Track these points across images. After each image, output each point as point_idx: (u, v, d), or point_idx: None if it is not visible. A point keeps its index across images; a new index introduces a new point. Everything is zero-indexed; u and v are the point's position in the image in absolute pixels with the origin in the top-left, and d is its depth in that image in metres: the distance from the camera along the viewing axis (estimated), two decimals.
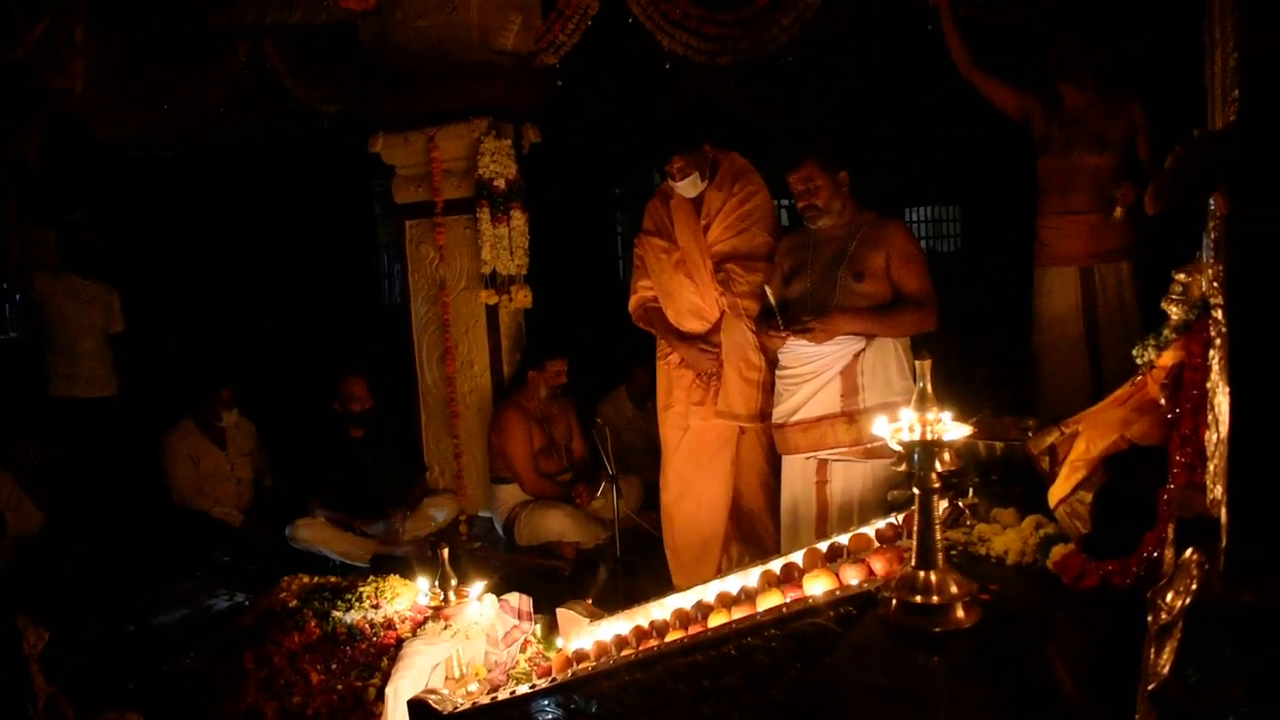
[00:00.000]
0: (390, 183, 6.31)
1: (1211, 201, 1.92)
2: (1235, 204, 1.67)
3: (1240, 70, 1.73)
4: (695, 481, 4.76)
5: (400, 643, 3.87)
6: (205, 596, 5.64)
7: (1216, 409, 1.85)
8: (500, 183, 5.77)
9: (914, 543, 2.53)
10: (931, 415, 2.51)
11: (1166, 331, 2.65)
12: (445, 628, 3.79)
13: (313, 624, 4.03)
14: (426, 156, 5.97)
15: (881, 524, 3.40)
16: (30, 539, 5.51)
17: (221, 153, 8.67)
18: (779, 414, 4.34)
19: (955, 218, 14.28)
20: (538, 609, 4.16)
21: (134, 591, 5.66)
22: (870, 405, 4.04)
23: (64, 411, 6.31)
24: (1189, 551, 1.86)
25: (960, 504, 3.24)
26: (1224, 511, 1.74)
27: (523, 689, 3.47)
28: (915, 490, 2.49)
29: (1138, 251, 4.81)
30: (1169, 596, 1.82)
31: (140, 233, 8.19)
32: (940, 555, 2.49)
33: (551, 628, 4.09)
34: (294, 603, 4.19)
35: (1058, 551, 2.74)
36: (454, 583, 3.90)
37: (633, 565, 5.39)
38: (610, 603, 4.09)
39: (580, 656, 3.57)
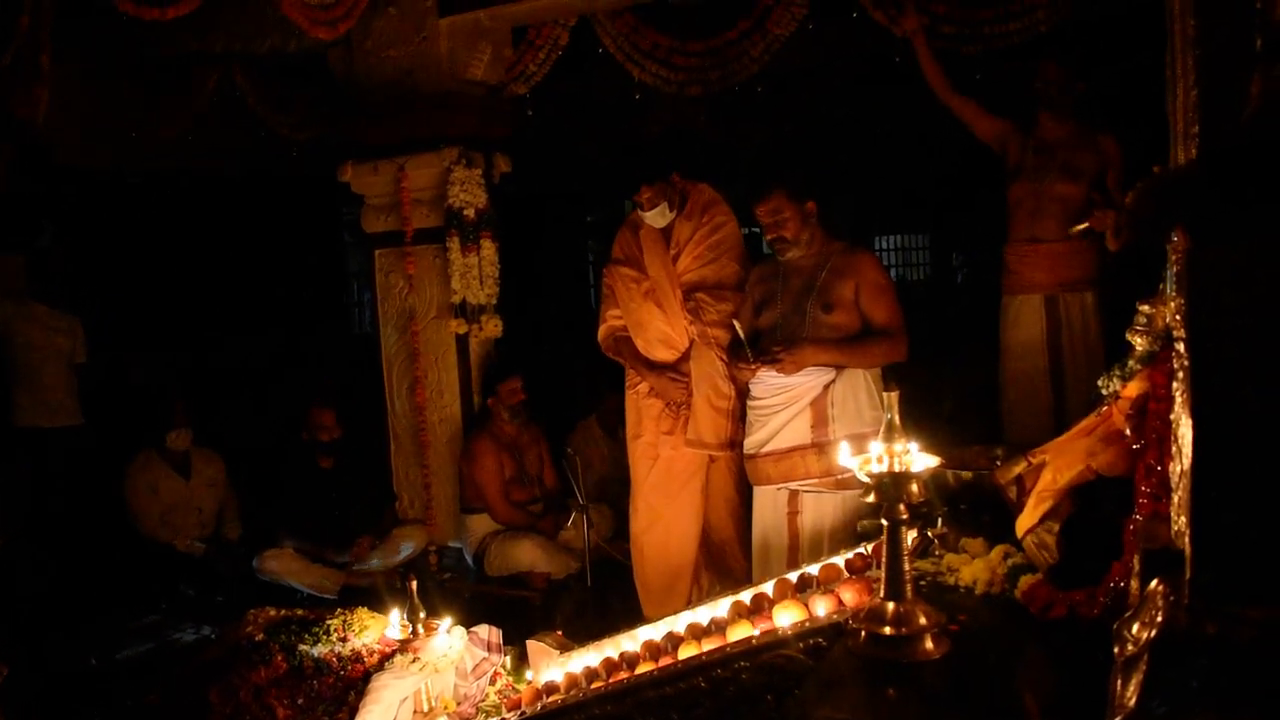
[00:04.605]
0: (359, 211, 6.29)
1: (1174, 235, 1.94)
2: (1195, 241, 1.69)
3: (1200, 107, 1.75)
4: (665, 511, 4.75)
5: (368, 676, 3.83)
6: (171, 630, 5.56)
7: (1180, 440, 1.86)
8: (470, 212, 5.76)
9: (883, 574, 2.53)
10: (899, 447, 2.52)
11: (1131, 362, 2.67)
12: (414, 660, 3.75)
13: (279, 658, 3.97)
14: (396, 186, 5.96)
15: (851, 554, 3.40)
16: None
17: (190, 180, 8.63)
18: (750, 445, 4.35)
19: (924, 246, 14.37)
20: (508, 640, 4.13)
21: (98, 625, 5.57)
22: (840, 436, 4.04)
23: (29, 442, 6.24)
24: (1154, 583, 1.87)
25: (929, 534, 3.25)
26: (1188, 543, 1.75)
27: None
28: (883, 522, 2.49)
29: (1102, 281, 4.86)
30: (1135, 628, 1.83)
31: (107, 260, 8.11)
32: (909, 587, 2.49)
33: (522, 660, 4.05)
34: (260, 636, 4.13)
35: (1025, 581, 2.75)
36: (423, 615, 3.86)
37: (604, 595, 5.37)
38: (581, 633, 4.06)
39: (550, 689, 3.55)
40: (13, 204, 6.85)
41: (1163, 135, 2.32)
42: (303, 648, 3.98)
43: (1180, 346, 1.82)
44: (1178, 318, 1.87)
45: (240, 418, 7.72)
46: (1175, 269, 1.96)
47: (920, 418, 2.77)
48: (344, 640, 4.02)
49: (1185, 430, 1.78)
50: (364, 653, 3.95)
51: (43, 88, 5.07)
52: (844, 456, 2.65)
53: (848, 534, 4.02)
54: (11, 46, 4.71)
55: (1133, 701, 1.63)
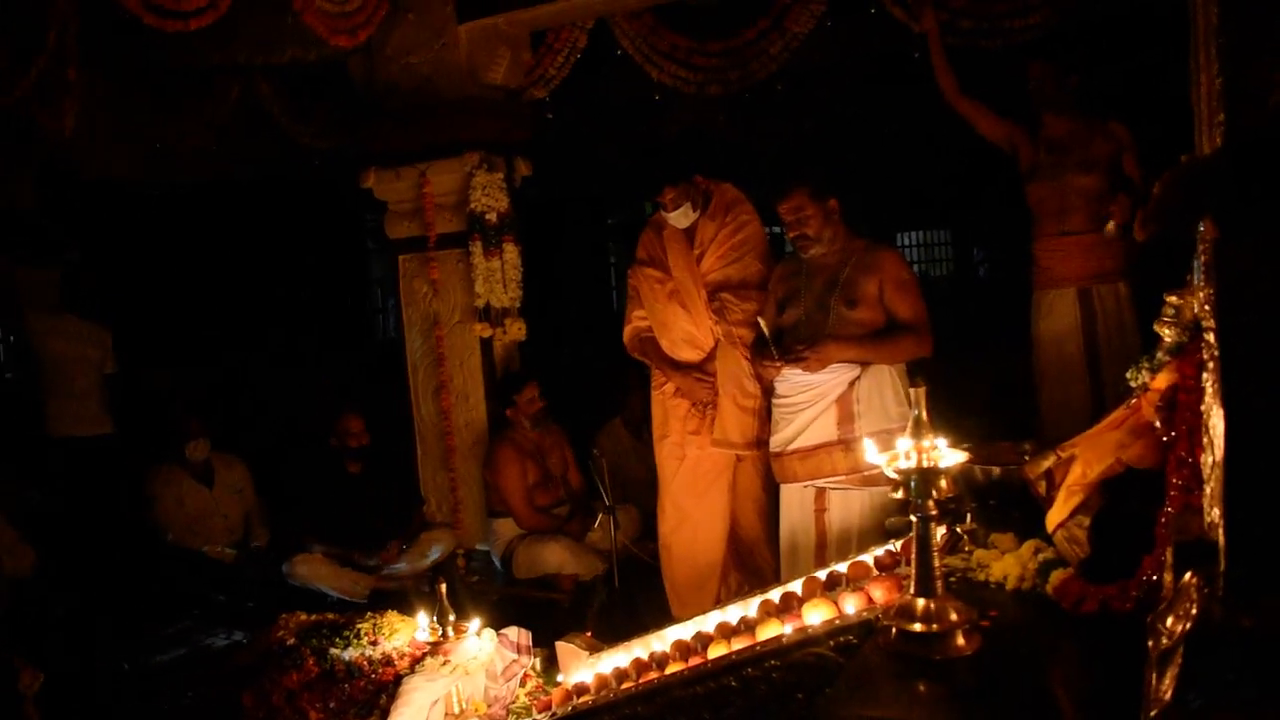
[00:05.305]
0: (382, 218, 6.32)
1: (1201, 225, 1.93)
2: (1223, 230, 1.68)
3: (1225, 96, 1.74)
4: (693, 511, 4.75)
5: (399, 679, 3.85)
6: (203, 635, 5.58)
7: (1211, 431, 1.85)
8: (492, 216, 5.78)
9: (912, 570, 2.52)
10: (927, 442, 2.51)
11: (1160, 354, 2.65)
12: (444, 663, 3.77)
13: (311, 662, 4.00)
14: (418, 191, 5.98)
15: (880, 551, 3.39)
16: (25, 580, 5.48)
17: (213, 190, 8.69)
18: (776, 443, 4.34)
19: (946, 241, 14.32)
20: (537, 642, 4.13)
21: (130, 631, 5.61)
22: (866, 433, 4.03)
23: (62, 451, 6.30)
24: (1188, 575, 1.86)
25: (958, 530, 3.23)
26: (1221, 535, 1.74)
27: None
28: (912, 518, 2.49)
29: (1135, 271, 4.83)
30: (1169, 621, 1.82)
31: (131, 270, 8.18)
32: (939, 583, 2.49)
33: (551, 661, 4.06)
34: (292, 640, 4.16)
35: (1057, 576, 2.73)
36: (452, 617, 3.88)
37: (632, 596, 5.37)
38: (610, 635, 4.07)
39: (580, 690, 3.56)
40: (39, 218, 6.93)
41: (1168, 132, 2.31)
42: (334, 651, 4.01)
43: (1210, 337, 1.81)
44: (1207, 308, 1.86)
45: (262, 424, 7.76)
46: (1203, 259, 1.95)
47: (946, 413, 2.76)
48: (374, 644, 4.04)
49: (1217, 421, 1.77)
50: (394, 656, 3.97)
51: (71, 100, 5.13)
52: (871, 453, 2.65)
53: (876, 531, 4.01)
54: (39, 60, 4.75)
55: (1168, 695, 1.62)
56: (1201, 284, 2.05)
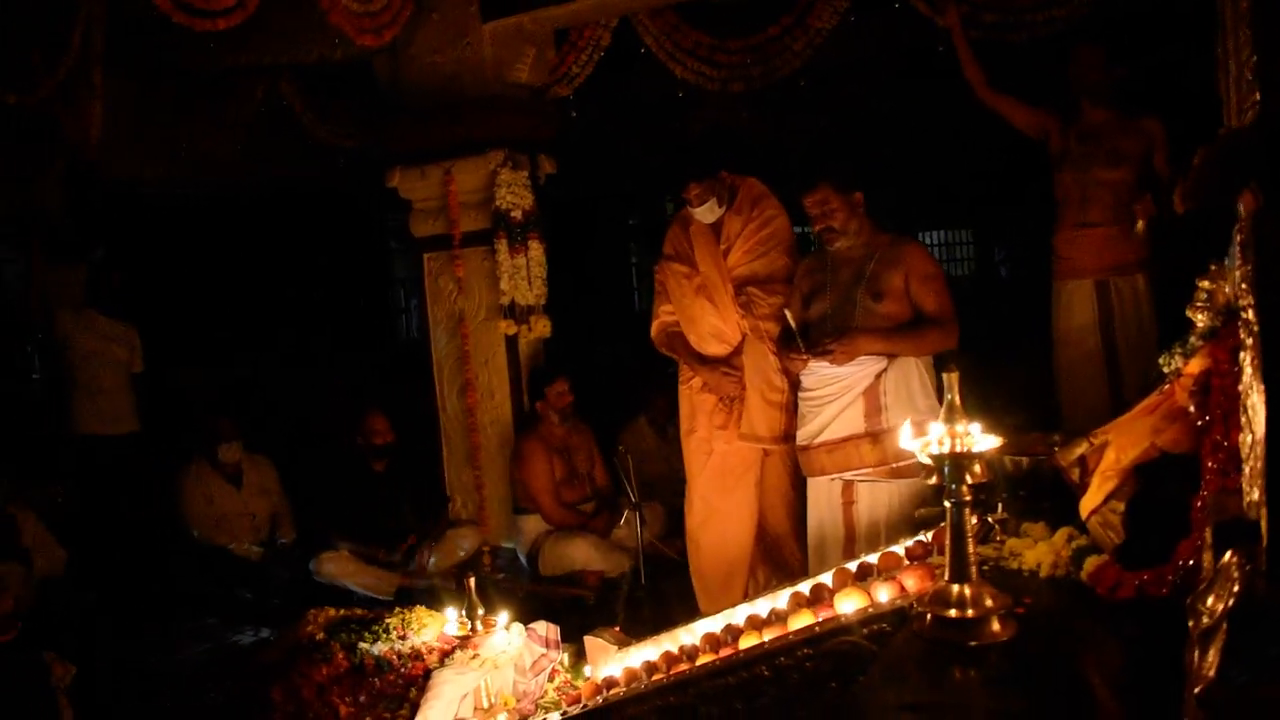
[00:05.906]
0: (407, 216, 6.34)
1: (1239, 204, 1.92)
2: (1264, 201, 1.67)
3: (1258, 77, 1.74)
4: (720, 506, 4.74)
5: (428, 673, 3.85)
6: (230, 632, 5.63)
7: (1250, 410, 1.84)
8: (517, 214, 5.80)
9: (946, 557, 2.51)
10: (961, 427, 2.49)
11: (1193, 339, 2.64)
12: (473, 657, 3.77)
13: (340, 656, 4.01)
14: (443, 189, 6.01)
15: (910, 542, 3.37)
16: (55, 577, 5.52)
17: (235, 192, 8.74)
18: (803, 436, 4.33)
19: (968, 240, 14.28)
20: (563, 638, 4.13)
21: (159, 628, 5.65)
22: (894, 425, 4.01)
23: (87, 448, 6.35)
24: (1228, 554, 1.84)
25: (990, 519, 3.22)
26: (1263, 512, 1.72)
27: (553, 718, 3.46)
28: (946, 503, 2.47)
29: (1153, 264, 4.82)
30: (1210, 600, 1.81)
31: (156, 272, 8.24)
32: (974, 569, 2.47)
33: (579, 656, 4.06)
34: (320, 635, 4.17)
35: (1091, 563, 2.71)
36: (481, 612, 3.88)
37: (658, 592, 5.37)
38: (637, 631, 4.06)
39: (610, 683, 3.55)
40: (64, 218, 6.99)
41: (1190, 127, 2.30)
42: (363, 646, 4.02)
43: (1248, 314, 1.79)
44: (1244, 286, 1.85)
45: (283, 425, 7.80)
46: (1240, 236, 1.94)
47: (970, 410, 2.74)
48: (403, 638, 4.05)
49: (1256, 398, 1.75)
50: (423, 650, 3.98)
51: (96, 103, 5.17)
52: (905, 439, 2.63)
53: (904, 523, 3.99)
54: (66, 60, 4.80)
55: (1212, 671, 1.60)
56: (1239, 262, 2.03)
